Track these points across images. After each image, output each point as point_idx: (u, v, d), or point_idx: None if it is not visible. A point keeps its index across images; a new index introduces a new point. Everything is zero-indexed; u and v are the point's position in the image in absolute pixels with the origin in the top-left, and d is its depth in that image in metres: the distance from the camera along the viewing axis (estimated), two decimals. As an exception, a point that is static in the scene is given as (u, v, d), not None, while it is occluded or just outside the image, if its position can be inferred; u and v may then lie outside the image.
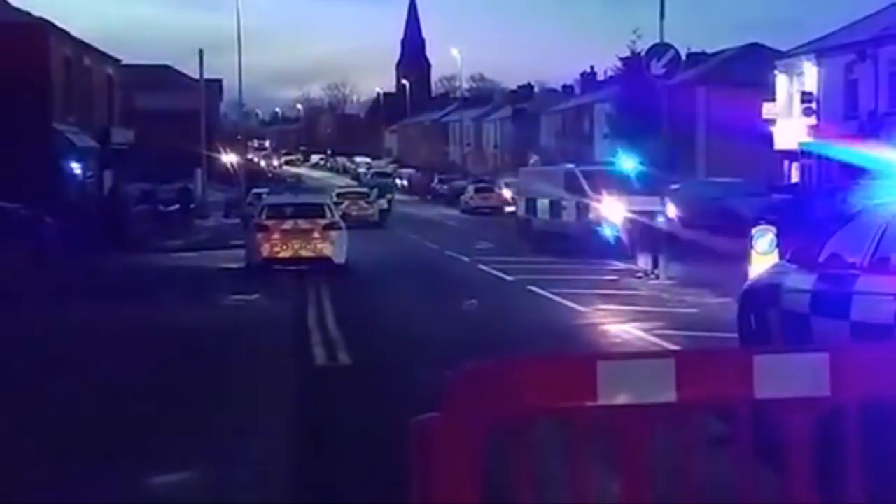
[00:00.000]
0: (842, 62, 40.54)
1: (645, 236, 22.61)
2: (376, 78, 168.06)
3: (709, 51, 62.41)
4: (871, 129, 36.51)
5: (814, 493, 4.50)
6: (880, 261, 8.40)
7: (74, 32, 42.75)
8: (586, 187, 28.76)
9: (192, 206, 46.21)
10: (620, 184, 28.44)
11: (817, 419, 4.54)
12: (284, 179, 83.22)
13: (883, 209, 9.17)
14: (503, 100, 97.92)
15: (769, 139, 44.41)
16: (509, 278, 21.81)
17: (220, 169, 65.73)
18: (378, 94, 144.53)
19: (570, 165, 32.23)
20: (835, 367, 4.55)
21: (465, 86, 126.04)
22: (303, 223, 23.80)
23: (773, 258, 14.52)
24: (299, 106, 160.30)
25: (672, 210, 24.80)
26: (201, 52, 55.19)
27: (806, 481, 4.53)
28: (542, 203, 31.33)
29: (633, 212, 25.87)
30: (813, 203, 25.29)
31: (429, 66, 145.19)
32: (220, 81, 72.42)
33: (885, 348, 6.20)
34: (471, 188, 60.59)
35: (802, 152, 41.48)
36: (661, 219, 22.65)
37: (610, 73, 57.54)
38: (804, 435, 4.55)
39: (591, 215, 27.89)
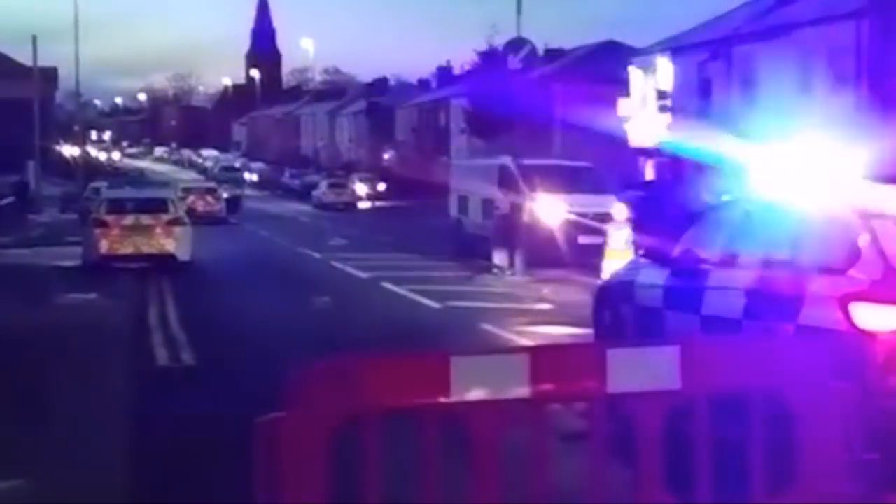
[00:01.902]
0: (695, 60, 41.40)
1: (501, 232, 22.37)
2: (224, 69, 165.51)
3: (566, 47, 63.26)
4: (724, 126, 37.29)
5: (664, 484, 4.60)
6: (731, 256, 8.53)
7: None
8: (522, 184, 24.91)
9: (27, 200, 44.47)
10: (564, 180, 25.08)
11: (668, 412, 4.63)
12: (126, 173, 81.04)
13: (733, 206, 9.50)
14: (358, 93, 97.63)
15: (624, 136, 45.04)
16: (363, 275, 21.54)
17: (56, 162, 63.56)
18: (226, 86, 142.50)
19: (506, 158, 27.27)
20: (685, 360, 4.67)
21: (319, 78, 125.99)
22: (145, 218, 22.92)
23: (629, 254, 14.59)
24: (142, 97, 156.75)
25: (622, 211, 20.69)
26: (34, 38, 52.96)
27: (657, 473, 4.63)
28: (474, 202, 27.21)
29: (580, 213, 22.89)
30: (666, 200, 25.53)
31: (280, 57, 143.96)
32: (55, 70, 69.77)
33: (734, 342, 6.23)
34: (324, 183, 60.11)
35: (657, 149, 42.15)
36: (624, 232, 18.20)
37: (467, 67, 57.58)
38: (655, 427, 4.64)
39: (527, 217, 23.68)
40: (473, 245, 25.63)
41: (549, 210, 23.47)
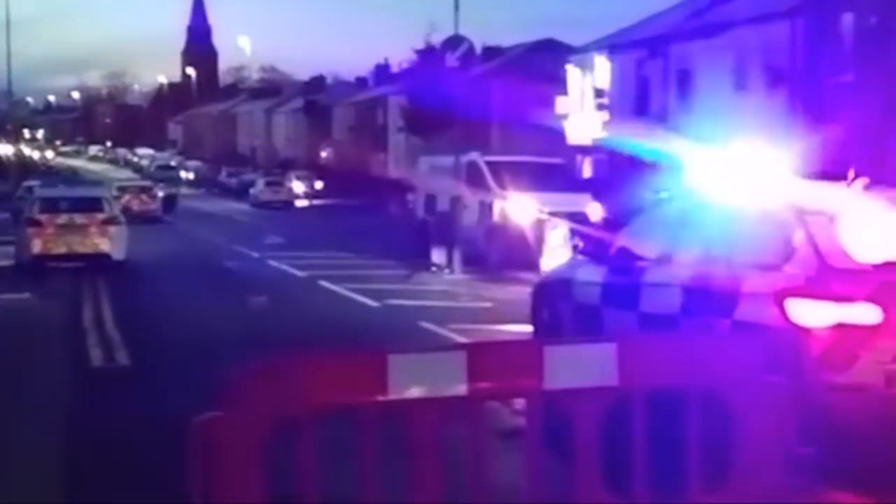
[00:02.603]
0: (633, 59, 41.69)
1: (440, 230, 22.33)
2: (160, 67, 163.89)
3: (503, 45, 63.39)
4: (661, 124, 37.62)
5: (602, 481, 4.62)
6: (668, 253, 8.56)
7: None
8: (491, 182, 23.34)
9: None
10: (535, 178, 23.41)
11: (605, 408, 4.65)
12: (59, 172, 79.97)
13: (670, 203, 9.44)
14: (295, 91, 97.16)
15: (562, 133, 45.24)
16: (301, 274, 21.40)
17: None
18: (162, 84, 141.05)
19: (474, 154, 25.56)
20: (622, 357, 4.69)
21: (255, 76, 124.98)
22: (79, 218, 22.59)
23: (566, 252, 14.63)
24: (76, 95, 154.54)
25: (597, 211, 19.83)
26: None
27: (595, 470, 4.63)
28: (442, 201, 25.08)
29: (553, 213, 21.11)
30: (604, 197, 25.64)
31: (216, 55, 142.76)
32: (-15, 67, 68.54)
33: (671, 338, 6.26)
34: (261, 181, 59.76)
35: (595, 147, 42.41)
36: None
37: (405, 65, 57.51)
38: (592, 424, 4.66)
39: (497, 216, 22.54)
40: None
41: (520, 209, 21.87)
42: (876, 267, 6.84)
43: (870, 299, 6.56)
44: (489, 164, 24.40)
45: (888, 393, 6.33)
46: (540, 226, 21.13)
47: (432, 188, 26.14)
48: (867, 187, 7.88)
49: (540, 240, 20.58)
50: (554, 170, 25.12)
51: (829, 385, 6.55)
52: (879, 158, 24.95)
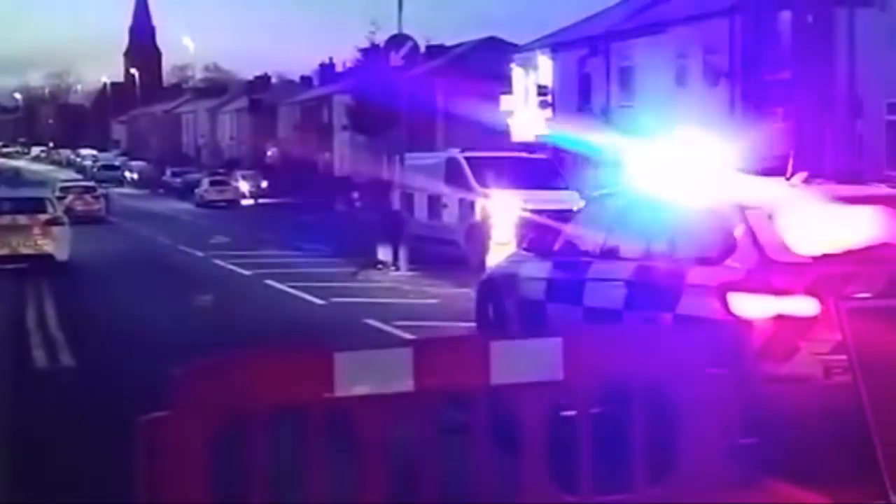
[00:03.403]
0: (575, 56, 41.94)
1: (386, 227, 22.30)
2: (103, 66, 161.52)
3: (447, 43, 63.37)
4: (603, 120, 37.86)
5: (547, 475, 4.64)
6: (611, 248, 8.63)
7: None
8: (472, 179, 22.16)
9: None
10: (518, 175, 22.28)
11: (550, 402, 4.71)
12: (2, 173, 78.76)
13: (613, 198, 9.50)
14: (239, 90, 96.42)
15: (507, 131, 45.37)
16: (246, 273, 21.29)
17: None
18: (105, 84, 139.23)
19: (454, 151, 24.44)
20: (567, 352, 4.73)
21: (199, 76, 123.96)
22: (21, 219, 22.33)
23: (511, 247, 14.67)
24: (17, 95, 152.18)
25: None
26: None
27: (540, 464, 4.66)
28: (420, 200, 24.09)
29: (537, 211, 19.46)
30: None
31: (159, 54, 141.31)
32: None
33: (615, 332, 6.32)
34: (205, 181, 59.22)
35: (539, 144, 42.58)
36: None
37: (349, 64, 57.39)
38: (538, 418, 4.70)
39: (479, 215, 21.23)
40: (421, 248, 22.30)
41: (503, 207, 20.42)
42: (815, 259, 6.94)
43: (809, 292, 6.66)
44: (470, 160, 23.04)
45: (827, 384, 6.44)
46: (524, 224, 19.07)
47: (409, 187, 24.67)
48: (806, 181, 8.00)
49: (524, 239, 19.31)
50: (538, 166, 23.78)
51: (769, 376, 6.65)
52: (817, 153, 25.32)
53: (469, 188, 22.04)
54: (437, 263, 20.94)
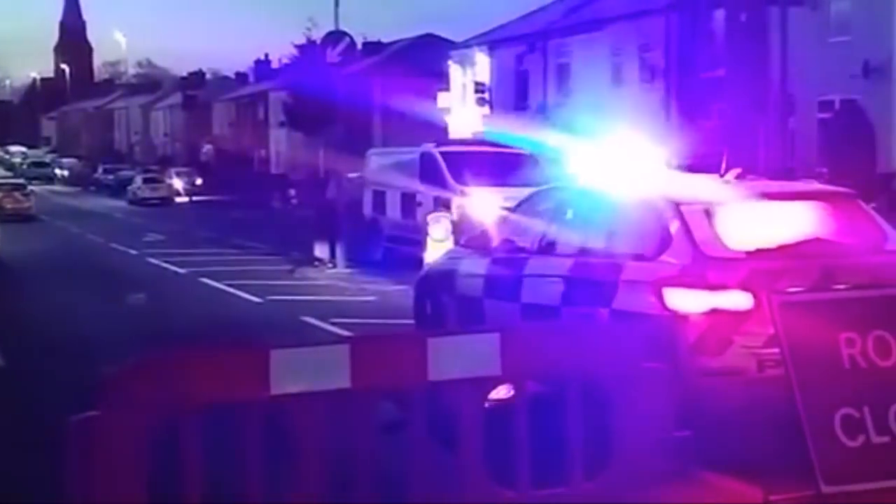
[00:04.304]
0: (512, 53, 42.12)
1: (322, 224, 22.17)
2: (32, 62, 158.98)
3: (384, 40, 63.27)
4: (540, 117, 38.04)
5: (485, 470, 4.66)
6: (548, 244, 8.65)
7: None
8: (448, 176, 20.54)
9: None
10: (497, 170, 20.47)
11: (489, 398, 4.75)
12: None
13: (550, 195, 9.49)
14: (173, 87, 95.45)
15: (445, 128, 45.42)
16: (181, 271, 21.08)
17: None
18: (34, 79, 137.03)
19: (429, 146, 22.65)
20: (505, 347, 4.74)
21: (132, 71, 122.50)
22: None
23: (449, 244, 14.65)
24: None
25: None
26: None
27: (478, 460, 4.67)
28: (393, 197, 22.37)
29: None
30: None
31: (90, 49, 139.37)
32: None
33: (552, 328, 6.35)
34: (139, 178, 58.62)
35: (476, 140, 42.68)
36: None
37: (285, 60, 56.94)
38: (476, 414, 4.71)
39: (455, 214, 19.33)
40: (394, 249, 21.02)
41: (481, 206, 18.32)
42: (748, 255, 7.03)
43: (742, 286, 6.74)
44: (446, 155, 21.32)
45: (760, 377, 6.52)
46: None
47: (381, 184, 22.94)
48: (739, 178, 8.09)
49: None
50: (519, 161, 21.51)
51: (704, 370, 6.72)
52: (751, 150, 25.66)
53: (445, 185, 20.35)
54: (411, 266, 19.60)
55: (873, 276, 6.87)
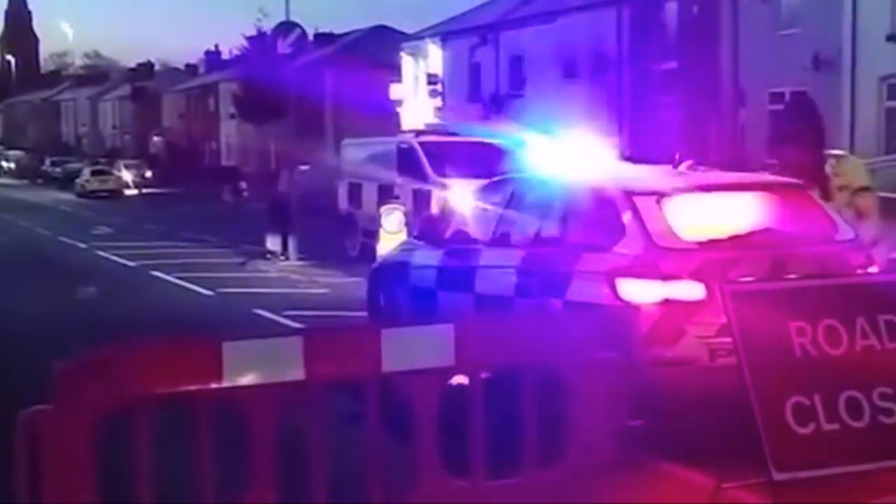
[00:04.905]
0: (465, 45, 42.11)
1: (274, 216, 22.04)
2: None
3: (336, 31, 63.02)
4: (493, 109, 38.11)
5: (440, 461, 4.65)
6: (502, 235, 8.63)
7: None
8: (428, 168, 19.47)
9: None
10: (479, 162, 18.73)
11: (442, 389, 4.72)
12: None
13: (504, 185, 9.42)
14: (121, 78, 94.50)
15: (397, 120, 45.36)
16: (131, 264, 20.87)
17: None
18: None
19: (407, 135, 22.10)
20: (459, 338, 4.74)
21: (79, 63, 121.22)
22: None
23: (402, 236, 14.63)
24: None
25: None
26: None
27: (432, 451, 4.68)
28: (369, 190, 21.20)
29: None
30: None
31: (36, 40, 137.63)
32: None
33: (506, 319, 6.35)
34: (87, 171, 58.10)
35: (429, 132, 42.68)
36: None
37: (236, 51, 56.66)
38: (431, 405, 4.70)
39: (435, 208, 18.43)
40: (371, 245, 18.53)
41: (463, 199, 16.84)
42: (700, 245, 7.06)
43: (694, 277, 6.78)
44: (426, 146, 20.24)
45: (712, 366, 6.56)
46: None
47: (357, 176, 21.91)
48: (691, 169, 8.14)
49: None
50: (502, 152, 19.99)
51: (657, 360, 6.75)
52: (702, 142, 25.87)
53: (425, 178, 19.21)
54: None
55: (823, 265, 6.94)
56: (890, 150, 23.19)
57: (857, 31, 26.11)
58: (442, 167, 19.16)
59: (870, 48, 25.74)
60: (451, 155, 19.90)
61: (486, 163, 18.22)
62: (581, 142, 8.75)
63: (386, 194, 19.82)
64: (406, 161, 20.09)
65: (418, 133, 22.07)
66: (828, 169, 8.21)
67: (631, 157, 9.01)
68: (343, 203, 22.34)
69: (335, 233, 22.17)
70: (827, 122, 8.66)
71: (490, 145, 20.70)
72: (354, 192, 21.77)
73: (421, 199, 18.66)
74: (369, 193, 20.91)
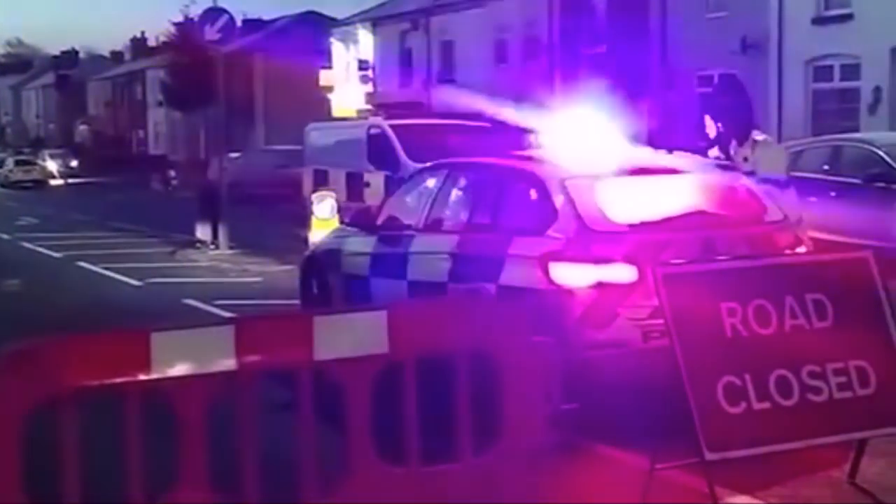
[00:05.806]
0: (396, 31, 41.98)
1: (204, 204, 21.78)
2: None
3: (265, 17, 62.55)
4: (424, 95, 38.04)
5: (373, 449, 4.64)
6: (435, 221, 8.62)
7: None
8: (402, 153, 17.86)
9: None
10: (456, 147, 16.42)
11: (375, 376, 4.66)
12: None
13: (436, 170, 9.40)
14: (45, 66, 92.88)
15: (327, 106, 45.14)
16: (57, 255, 20.54)
17: None
18: None
19: (377, 120, 20.72)
20: (392, 324, 4.70)
21: (1, 51, 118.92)
22: None
23: (334, 223, 14.57)
24: None
25: None
26: None
27: (366, 438, 4.64)
28: (336, 178, 19.60)
29: None
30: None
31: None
32: None
33: (439, 304, 6.34)
34: (10, 161, 57.32)
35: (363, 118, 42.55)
36: None
37: (163, 38, 55.89)
38: (364, 393, 4.65)
39: None
40: None
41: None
42: (632, 228, 7.10)
43: (626, 259, 6.81)
44: (398, 129, 18.74)
45: (645, 348, 6.60)
46: None
47: (323, 164, 20.58)
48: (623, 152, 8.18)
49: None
50: (480, 135, 18.25)
51: (590, 343, 6.78)
52: (630, 124, 26.03)
53: (397, 164, 17.63)
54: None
55: (753, 246, 7.02)
56: (816, 131, 23.55)
57: (784, 15, 26.46)
58: (417, 152, 17.02)
59: (796, 31, 26.10)
60: (428, 138, 17.93)
61: (467, 147, 15.87)
62: (515, 125, 8.74)
63: (356, 182, 18.83)
64: (376, 146, 18.78)
65: (389, 116, 21.10)
66: (746, 152, 8.33)
67: (561, 140, 8.99)
68: (307, 191, 20.32)
69: (300, 224, 19.42)
70: (755, 104, 8.76)
71: (473, 127, 19.42)
72: (320, 179, 20.28)
73: (393, 186, 16.17)
74: (337, 181, 19.40)
